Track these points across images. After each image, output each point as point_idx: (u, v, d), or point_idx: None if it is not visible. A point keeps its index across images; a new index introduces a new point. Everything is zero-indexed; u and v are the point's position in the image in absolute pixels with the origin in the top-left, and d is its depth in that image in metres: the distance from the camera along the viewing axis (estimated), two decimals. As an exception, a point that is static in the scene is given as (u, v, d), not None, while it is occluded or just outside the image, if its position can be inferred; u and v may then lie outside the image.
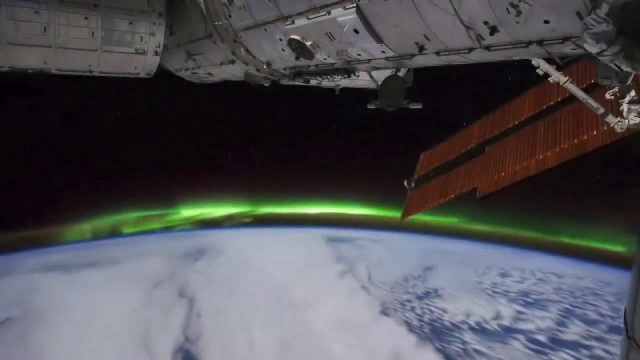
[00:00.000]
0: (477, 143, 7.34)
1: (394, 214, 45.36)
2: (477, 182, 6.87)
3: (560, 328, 32.57)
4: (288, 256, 41.28)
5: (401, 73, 6.64)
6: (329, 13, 4.40)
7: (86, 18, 6.80)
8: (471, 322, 33.48)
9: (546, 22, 2.95)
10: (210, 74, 8.63)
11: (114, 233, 45.40)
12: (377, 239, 47.35)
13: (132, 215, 46.39)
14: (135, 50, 7.51)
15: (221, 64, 7.52)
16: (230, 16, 6.03)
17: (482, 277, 40.06)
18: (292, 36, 5.06)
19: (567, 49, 3.12)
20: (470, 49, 3.70)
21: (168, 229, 47.63)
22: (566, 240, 42.51)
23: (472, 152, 7.38)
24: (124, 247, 42.93)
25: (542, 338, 31.41)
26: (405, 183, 8.02)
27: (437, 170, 7.89)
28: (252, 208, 49.78)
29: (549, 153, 5.91)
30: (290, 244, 44.52)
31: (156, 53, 7.71)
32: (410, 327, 32.75)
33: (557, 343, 30.84)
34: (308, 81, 6.71)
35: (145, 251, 41.50)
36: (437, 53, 4.02)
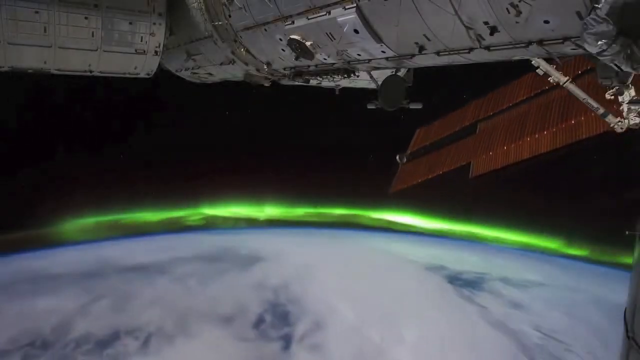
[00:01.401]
0: (471, 122, 7.46)
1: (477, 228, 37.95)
2: (466, 161, 7.01)
3: None
4: (426, 329, 24.87)
5: (401, 73, 6.64)
6: (329, 13, 4.40)
7: (86, 18, 6.79)
8: None
9: (546, 22, 2.95)
10: (210, 74, 8.63)
11: (130, 233, 38.33)
12: (507, 278, 32.40)
13: (144, 215, 39.70)
14: (135, 50, 7.50)
15: (221, 64, 7.52)
16: (230, 16, 6.03)
17: None
18: (292, 36, 5.06)
19: (567, 49, 3.12)
20: (470, 49, 3.70)
21: (189, 228, 40.60)
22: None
23: (465, 131, 7.51)
24: (150, 275, 29.63)
25: None
26: (397, 157, 8.10)
27: (430, 147, 8.05)
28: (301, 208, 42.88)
29: (537, 135, 5.98)
30: (392, 281, 30.06)
31: (156, 53, 7.71)
32: None
33: None
34: (308, 81, 6.71)
35: (186, 306, 25.89)
36: (437, 53, 4.02)
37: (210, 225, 41.97)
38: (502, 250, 37.32)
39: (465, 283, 31.95)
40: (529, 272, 33.31)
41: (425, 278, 32.29)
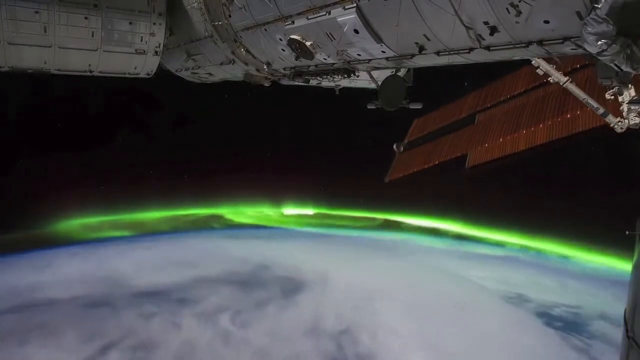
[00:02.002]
0: (469, 113, 7.52)
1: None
2: (462, 152, 7.07)
3: None
4: None
5: (401, 73, 6.64)
6: (329, 13, 4.40)
7: (86, 18, 6.79)
8: None
9: (546, 22, 2.95)
10: (210, 74, 8.63)
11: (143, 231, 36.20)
12: (606, 313, 25.73)
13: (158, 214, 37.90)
14: (135, 50, 7.50)
15: (221, 64, 7.52)
16: (230, 16, 6.03)
17: None
18: (292, 36, 5.06)
19: (567, 49, 3.12)
20: (470, 49, 3.69)
21: (206, 228, 38.13)
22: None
23: (463, 122, 7.58)
24: (171, 307, 23.18)
25: None
26: (394, 146, 8.12)
27: (427, 137, 8.12)
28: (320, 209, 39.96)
29: (532, 128, 6.03)
30: (478, 324, 23.24)
31: (156, 53, 7.71)
32: None
33: None
34: (308, 81, 6.71)
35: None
36: (437, 53, 4.01)
37: (228, 226, 39.14)
38: (563, 267, 32.58)
39: (565, 325, 25.14)
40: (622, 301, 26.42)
41: (514, 316, 25.19)
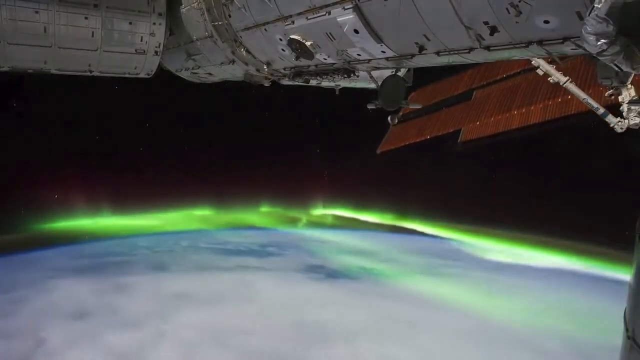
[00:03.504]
0: (465, 90, 7.54)
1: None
2: (456, 127, 7.10)
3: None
4: None
5: (401, 73, 6.64)
6: (329, 13, 4.40)
7: (86, 18, 6.80)
8: None
9: (546, 22, 2.95)
10: (210, 74, 8.63)
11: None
12: None
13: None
14: (135, 50, 7.51)
15: (221, 64, 7.52)
16: (230, 16, 6.03)
17: None
18: (292, 36, 5.06)
19: (567, 49, 3.12)
20: (470, 49, 3.70)
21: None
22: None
23: (458, 98, 7.58)
24: None
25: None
26: (388, 119, 8.06)
27: (422, 111, 8.10)
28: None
29: (523, 110, 6.07)
30: None
31: (156, 53, 7.72)
32: None
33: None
34: (308, 81, 6.71)
35: None
36: (437, 53, 4.01)
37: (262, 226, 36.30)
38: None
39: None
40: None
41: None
